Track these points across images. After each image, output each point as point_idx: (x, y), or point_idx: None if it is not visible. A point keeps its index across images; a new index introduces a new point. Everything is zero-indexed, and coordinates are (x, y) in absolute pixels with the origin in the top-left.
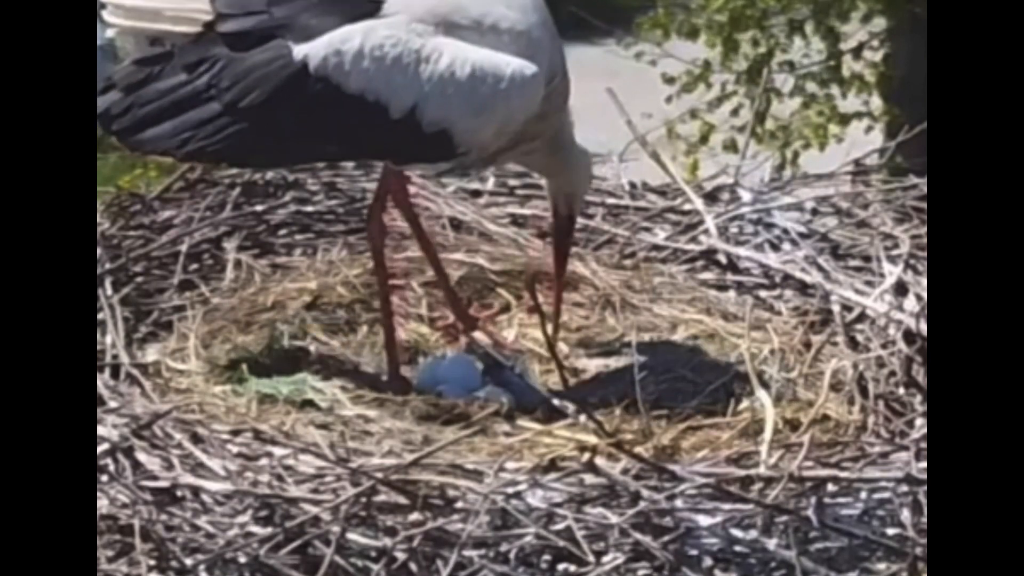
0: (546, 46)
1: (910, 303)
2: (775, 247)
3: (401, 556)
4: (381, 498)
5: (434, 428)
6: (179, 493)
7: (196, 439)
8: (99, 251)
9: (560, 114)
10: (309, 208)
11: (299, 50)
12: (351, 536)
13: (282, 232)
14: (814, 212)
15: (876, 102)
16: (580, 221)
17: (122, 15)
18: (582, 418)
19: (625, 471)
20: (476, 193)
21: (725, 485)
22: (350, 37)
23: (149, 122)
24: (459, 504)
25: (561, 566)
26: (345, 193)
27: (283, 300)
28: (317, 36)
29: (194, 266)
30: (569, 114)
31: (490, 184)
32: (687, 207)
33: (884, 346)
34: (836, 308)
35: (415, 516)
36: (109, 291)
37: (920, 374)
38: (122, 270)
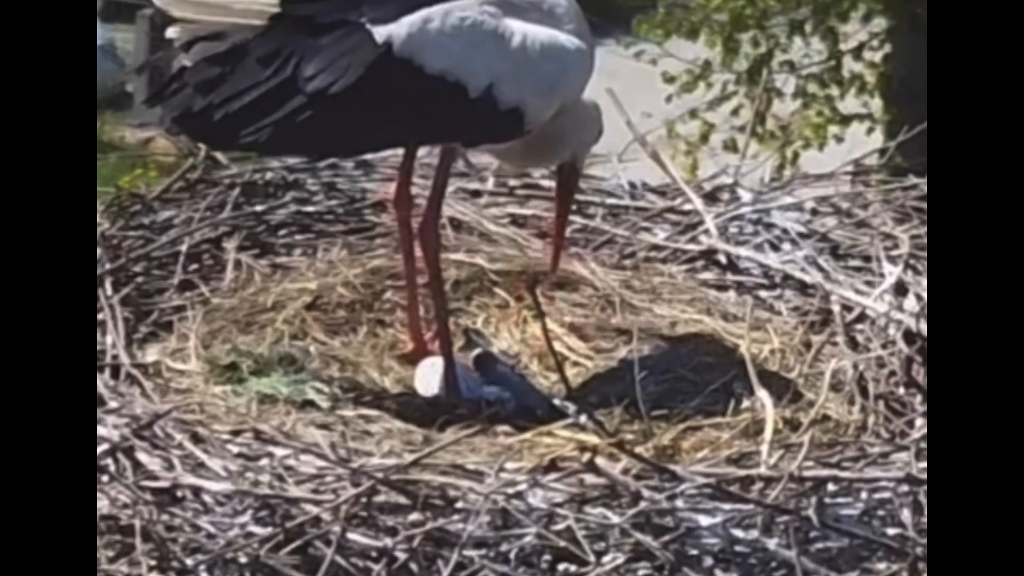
0: (587, 31)
1: (910, 303)
2: (775, 247)
3: (401, 556)
4: (381, 498)
5: (434, 428)
6: (180, 493)
7: (196, 439)
8: (99, 251)
9: None
10: (309, 208)
11: (380, 32)
12: (351, 536)
13: (282, 232)
14: (814, 212)
15: (876, 102)
16: (580, 221)
17: (189, 9)
18: (582, 418)
19: (625, 471)
20: (476, 193)
21: (725, 485)
22: (430, 19)
23: (232, 121)
24: (459, 504)
25: (561, 566)
26: (345, 193)
27: (283, 300)
28: (390, 18)
29: (194, 266)
30: None
31: (490, 184)
32: (687, 207)
33: (884, 346)
34: (836, 308)
35: (415, 516)
36: (109, 291)
37: (920, 374)
38: (122, 270)
